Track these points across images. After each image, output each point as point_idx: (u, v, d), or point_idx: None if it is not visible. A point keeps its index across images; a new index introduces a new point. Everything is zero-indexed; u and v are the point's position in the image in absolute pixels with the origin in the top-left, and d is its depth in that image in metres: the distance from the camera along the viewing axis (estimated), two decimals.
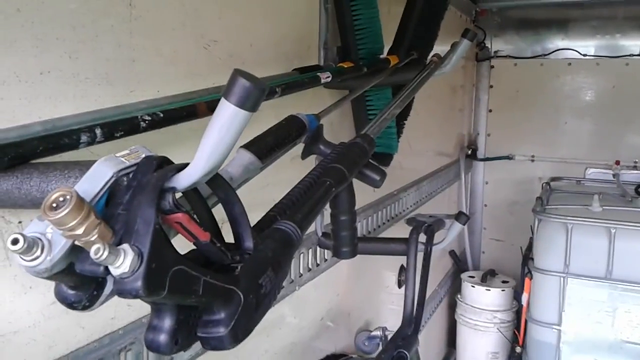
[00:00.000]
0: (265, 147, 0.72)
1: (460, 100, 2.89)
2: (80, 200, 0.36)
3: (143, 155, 0.45)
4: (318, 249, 1.33)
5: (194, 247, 0.46)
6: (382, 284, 1.88)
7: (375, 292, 1.87)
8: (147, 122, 0.62)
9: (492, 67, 3.02)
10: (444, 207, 2.72)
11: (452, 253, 2.87)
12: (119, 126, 0.59)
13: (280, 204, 0.63)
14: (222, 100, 0.42)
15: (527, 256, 2.37)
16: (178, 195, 0.45)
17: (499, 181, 3.09)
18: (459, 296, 2.69)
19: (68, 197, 0.36)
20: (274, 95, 0.88)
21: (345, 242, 0.72)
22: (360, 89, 1.09)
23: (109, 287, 0.45)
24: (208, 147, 0.42)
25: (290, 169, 0.86)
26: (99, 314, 0.63)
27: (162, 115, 0.64)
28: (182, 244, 0.44)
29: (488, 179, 3.12)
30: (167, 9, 0.85)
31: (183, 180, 0.43)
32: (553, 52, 2.87)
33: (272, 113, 0.99)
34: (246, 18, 1.04)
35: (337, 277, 1.53)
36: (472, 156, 3.02)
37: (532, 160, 2.97)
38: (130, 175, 0.43)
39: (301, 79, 0.97)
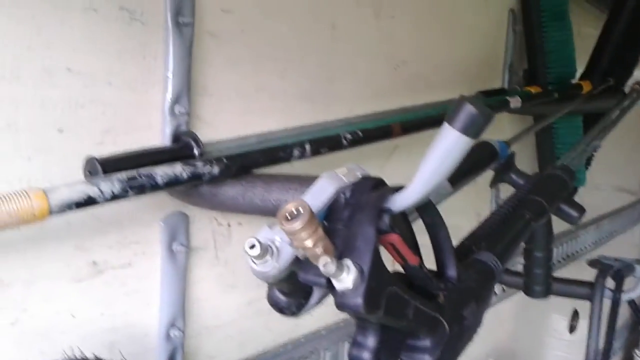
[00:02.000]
0: (458, 172, 0.70)
1: None
2: (312, 213, 0.38)
3: (360, 175, 0.46)
4: None
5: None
6: (551, 327, 1.73)
7: (543, 335, 1.73)
8: (348, 140, 0.64)
9: None
10: (623, 250, 2.44)
11: (631, 302, 2.55)
12: (324, 143, 0.62)
13: (475, 234, 0.60)
14: (445, 125, 0.41)
15: None
16: None
17: None
18: (636, 352, 2.38)
19: (301, 209, 0.38)
20: None
21: (538, 281, 0.68)
22: (552, 116, 1.02)
23: (314, 297, 0.47)
24: (428, 171, 0.42)
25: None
26: (285, 319, 0.67)
27: (361, 134, 0.66)
28: None
29: None
30: (365, 30, 0.87)
31: (399, 203, 0.43)
32: None
33: None
34: (433, 39, 1.04)
35: (504, 314, 1.44)
36: None
37: None
38: (348, 193, 0.44)
39: (489, 102, 0.94)
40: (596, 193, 1.96)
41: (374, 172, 0.89)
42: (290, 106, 0.75)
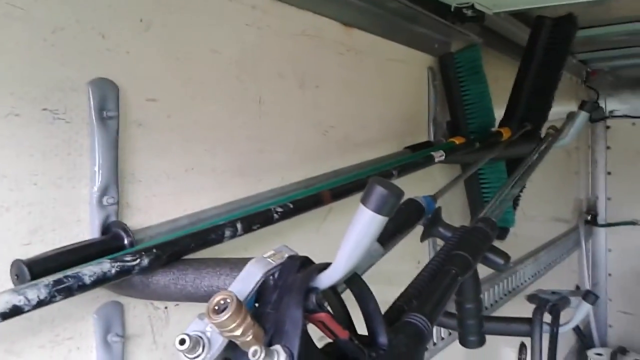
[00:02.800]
0: (387, 234, 0.73)
1: (576, 163, 2.76)
2: (240, 303, 0.39)
3: (286, 255, 0.48)
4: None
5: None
6: None
7: None
8: (279, 213, 0.66)
9: (608, 127, 2.87)
10: (563, 279, 2.55)
11: (575, 328, 2.65)
12: (255, 219, 0.63)
13: (407, 294, 0.63)
14: (361, 206, 0.44)
15: None
16: None
17: (624, 249, 2.85)
18: None
19: (229, 300, 0.39)
20: (390, 178, 0.91)
21: (472, 331, 0.71)
22: (475, 165, 1.08)
23: None
24: (348, 249, 0.45)
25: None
26: None
27: (291, 206, 0.68)
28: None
29: (611, 246, 2.90)
30: (291, 101, 0.91)
31: (325, 280, 0.45)
32: None
33: None
34: (358, 103, 1.09)
35: (455, 355, 1.47)
36: (592, 222, 2.83)
37: None
38: (276, 275, 0.46)
39: (415, 159, 0.99)
40: (532, 227, 2.06)
41: (311, 235, 0.92)
42: (222, 182, 0.77)
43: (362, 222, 0.44)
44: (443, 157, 1.05)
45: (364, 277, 0.53)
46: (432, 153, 1.03)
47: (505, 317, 1.28)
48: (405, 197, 0.80)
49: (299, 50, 0.93)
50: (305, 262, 0.48)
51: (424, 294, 0.61)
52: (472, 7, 1.25)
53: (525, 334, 1.17)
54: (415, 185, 1.25)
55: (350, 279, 0.50)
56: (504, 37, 1.75)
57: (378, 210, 0.44)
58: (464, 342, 0.72)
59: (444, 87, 1.34)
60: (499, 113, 1.41)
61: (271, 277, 0.47)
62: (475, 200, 1.33)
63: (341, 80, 1.04)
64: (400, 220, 0.78)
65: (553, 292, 1.45)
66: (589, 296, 1.13)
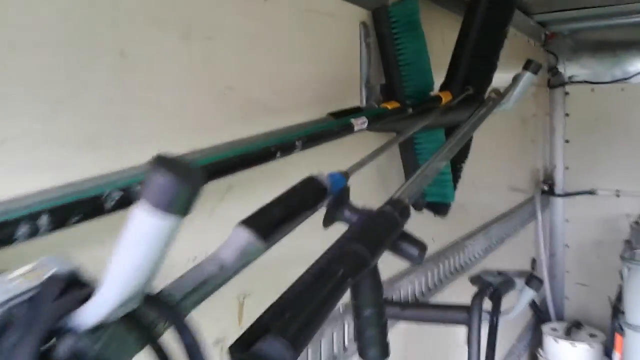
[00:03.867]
0: (270, 222, 0.58)
1: (532, 130, 2.65)
2: None
3: (48, 274, 0.32)
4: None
5: None
6: (453, 343, 1.67)
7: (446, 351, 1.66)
8: (115, 200, 0.50)
9: (567, 93, 2.77)
10: (520, 252, 2.46)
11: (532, 303, 2.59)
12: (77, 209, 0.47)
13: (277, 305, 0.48)
14: (140, 201, 0.28)
15: (617, 308, 2.07)
16: None
17: (581, 219, 2.78)
18: (540, 351, 2.40)
19: None
20: (292, 151, 0.75)
21: (372, 342, 0.57)
22: (402, 134, 0.93)
23: None
24: (120, 267, 0.29)
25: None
26: None
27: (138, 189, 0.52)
28: None
29: (568, 216, 2.83)
30: (169, 56, 0.74)
31: (89, 316, 0.30)
32: (635, 75, 2.58)
33: (304, 166, 0.86)
34: (270, 60, 0.93)
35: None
36: (549, 192, 2.75)
37: (618, 195, 2.66)
38: (26, 308, 0.30)
39: (328, 127, 0.83)
40: (483, 200, 1.94)
41: (202, 220, 0.74)
42: (64, 157, 0.60)
43: (140, 226, 0.29)
44: (365, 125, 0.90)
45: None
46: (352, 120, 0.88)
47: (442, 304, 1.16)
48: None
49: None
50: (73, 283, 0.32)
51: (296, 307, 0.46)
52: None
53: (463, 322, 1.04)
54: (343, 159, 1.11)
55: (166, 311, 0.35)
56: None
57: (164, 208, 0.28)
58: (362, 354, 0.58)
59: (378, 44, 1.18)
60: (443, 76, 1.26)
61: (22, 309, 0.31)
62: (411, 173, 1.19)
63: (245, 32, 0.87)
64: (291, 204, 0.62)
65: (499, 273, 1.34)
66: (533, 281, 1.01)
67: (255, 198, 0.88)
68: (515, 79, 1.11)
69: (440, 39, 1.48)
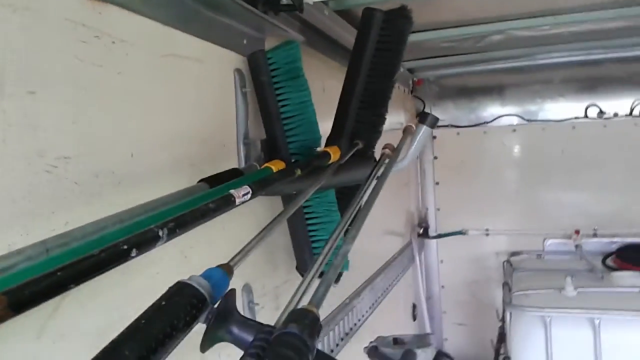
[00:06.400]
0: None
1: (406, 174, 2.66)
2: None
3: None
4: None
5: None
6: None
7: None
8: None
9: (435, 137, 2.83)
10: (402, 299, 2.41)
11: None
12: None
13: None
14: None
15: (499, 351, 2.07)
16: None
17: (455, 259, 2.83)
18: None
19: None
20: (155, 244, 0.55)
21: None
22: (293, 205, 0.77)
23: None
24: None
25: None
26: None
27: None
28: None
29: (442, 257, 2.86)
30: None
31: None
32: (496, 118, 2.72)
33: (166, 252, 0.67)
34: (123, 118, 0.72)
35: None
36: (424, 234, 2.77)
37: (487, 234, 2.74)
38: None
39: (201, 201, 0.64)
40: (367, 252, 1.85)
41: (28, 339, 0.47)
42: None
43: None
44: (249, 196, 0.73)
45: None
46: (232, 191, 0.70)
47: None
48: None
49: None
50: None
51: None
52: None
53: None
54: (220, 240, 0.92)
55: None
56: (334, 41, 1.50)
57: None
58: None
59: (257, 95, 1.02)
60: (326, 128, 1.13)
61: None
62: (301, 242, 1.03)
63: (85, 83, 0.66)
64: (153, 332, 0.43)
65: (395, 340, 1.22)
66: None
67: (100, 305, 0.66)
68: (409, 132, 1.01)
69: (321, 87, 1.37)
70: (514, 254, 2.62)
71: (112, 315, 0.67)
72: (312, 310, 0.48)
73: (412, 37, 1.83)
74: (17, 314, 0.40)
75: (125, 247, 0.52)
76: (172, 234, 0.58)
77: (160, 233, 0.56)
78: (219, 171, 0.89)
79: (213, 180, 0.83)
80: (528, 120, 2.66)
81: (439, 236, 2.82)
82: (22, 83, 0.57)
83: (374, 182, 0.86)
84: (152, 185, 0.76)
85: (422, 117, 0.98)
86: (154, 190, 0.72)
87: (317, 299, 0.51)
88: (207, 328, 0.50)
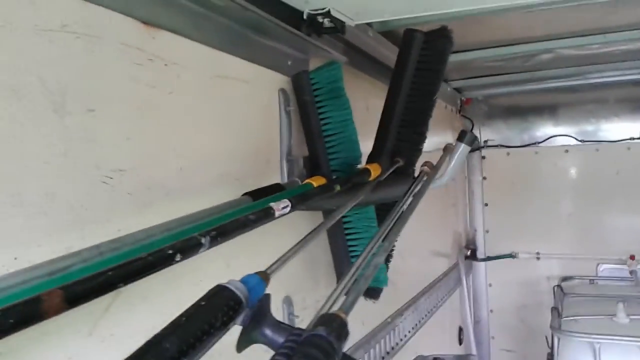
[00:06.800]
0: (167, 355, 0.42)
1: (453, 194, 2.63)
2: None
3: None
4: None
5: None
6: None
7: None
8: None
9: (484, 157, 2.80)
10: (445, 320, 2.37)
11: None
12: None
13: None
14: None
15: None
16: None
17: (504, 283, 2.77)
18: None
19: None
20: (197, 250, 0.59)
21: None
22: (331, 219, 0.80)
23: None
24: None
25: None
26: None
27: None
28: None
29: (491, 280, 2.80)
30: (35, 133, 0.57)
31: None
32: (548, 138, 2.66)
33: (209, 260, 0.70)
34: (173, 135, 0.78)
35: None
36: (472, 257, 2.72)
37: (538, 258, 2.67)
38: None
39: (242, 213, 0.68)
40: (411, 271, 1.84)
41: (78, 341, 0.55)
42: None
43: None
44: (288, 209, 0.76)
45: None
46: (272, 204, 0.73)
47: None
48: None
49: (56, 54, 0.60)
50: None
51: None
52: (328, 14, 1.00)
53: None
54: (262, 246, 0.95)
55: None
56: (378, 61, 1.53)
57: None
58: None
59: (300, 113, 1.06)
60: (368, 146, 1.16)
61: None
62: (341, 257, 1.06)
63: (139, 102, 0.72)
64: (192, 329, 0.46)
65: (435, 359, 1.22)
66: None
67: (148, 307, 0.71)
68: (449, 150, 1.03)
69: (364, 106, 1.40)
70: (565, 278, 2.54)
71: (159, 318, 0.71)
72: (340, 315, 0.50)
73: (459, 56, 1.85)
74: (71, 308, 0.44)
75: (171, 251, 0.56)
76: (214, 241, 0.62)
77: (203, 240, 0.60)
78: (262, 186, 0.93)
79: (256, 194, 0.87)
80: (581, 141, 2.59)
81: (488, 259, 2.76)
82: (83, 101, 0.63)
83: (411, 198, 0.87)
84: (199, 197, 0.81)
85: (461, 135, 1.00)
86: (200, 202, 0.77)
87: (347, 306, 0.53)
88: (242, 329, 0.53)
